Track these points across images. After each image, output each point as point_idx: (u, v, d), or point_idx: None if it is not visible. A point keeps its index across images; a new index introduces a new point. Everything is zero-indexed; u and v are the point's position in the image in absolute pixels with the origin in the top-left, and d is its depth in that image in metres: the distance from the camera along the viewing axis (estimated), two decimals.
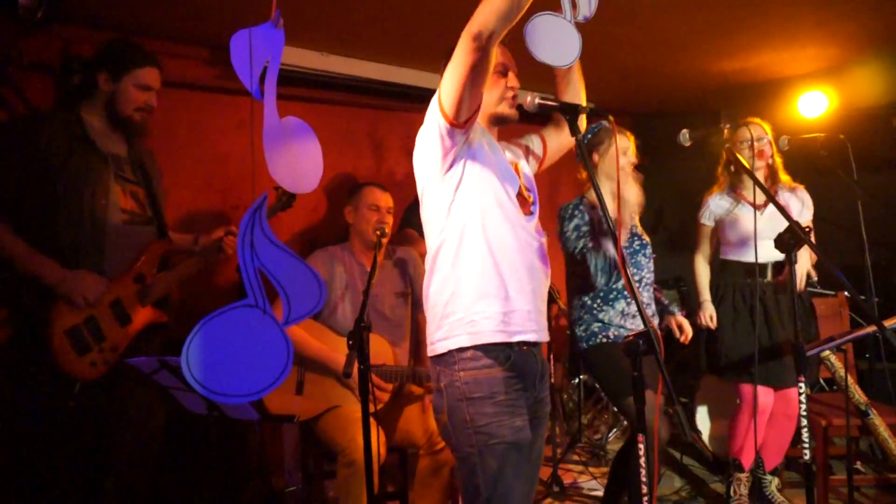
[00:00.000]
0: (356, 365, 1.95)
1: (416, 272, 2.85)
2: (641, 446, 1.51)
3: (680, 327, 2.73)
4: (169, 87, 3.11)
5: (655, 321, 2.74)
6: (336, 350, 2.57)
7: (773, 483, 3.08)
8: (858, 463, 3.48)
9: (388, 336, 2.71)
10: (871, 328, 2.44)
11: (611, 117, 1.74)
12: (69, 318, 2.03)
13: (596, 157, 2.63)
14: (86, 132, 2.13)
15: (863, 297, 3.35)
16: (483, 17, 1.48)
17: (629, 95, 4.53)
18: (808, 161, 3.06)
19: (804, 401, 2.12)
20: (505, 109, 1.82)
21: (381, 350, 2.61)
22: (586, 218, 2.55)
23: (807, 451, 2.07)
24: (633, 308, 2.56)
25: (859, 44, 3.62)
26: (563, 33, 1.57)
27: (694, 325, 3.02)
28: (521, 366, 1.72)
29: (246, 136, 3.32)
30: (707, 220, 3.19)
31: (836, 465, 3.34)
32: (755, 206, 2.91)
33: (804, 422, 2.11)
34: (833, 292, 3.68)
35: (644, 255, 2.67)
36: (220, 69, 3.22)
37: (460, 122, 1.63)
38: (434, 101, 1.67)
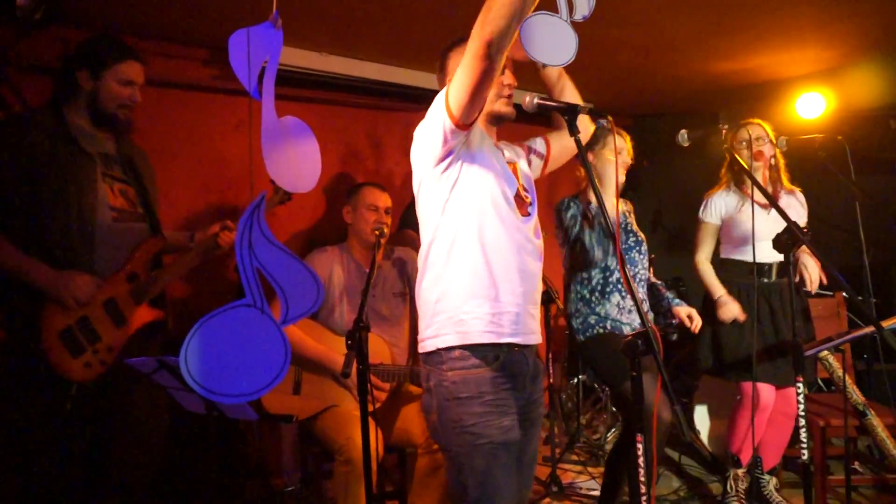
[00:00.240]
0: (355, 365, 1.95)
1: (414, 272, 2.85)
2: (640, 446, 1.51)
3: (690, 317, 2.74)
4: (167, 87, 3.13)
5: (650, 317, 2.76)
6: (333, 350, 2.57)
7: (770, 483, 3.09)
8: (856, 463, 3.48)
9: (386, 336, 2.71)
10: (869, 329, 2.45)
11: (609, 117, 1.74)
12: (61, 320, 2.01)
13: (591, 156, 2.68)
14: (69, 132, 2.10)
15: (861, 298, 3.35)
16: (494, 22, 1.47)
17: (628, 96, 4.54)
18: (806, 162, 3.06)
19: (802, 401, 2.12)
20: (502, 107, 1.83)
21: (378, 349, 2.61)
22: (581, 209, 2.64)
23: (805, 452, 2.07)
24: (629, 303, 2.60)
25: (857, 46, 3.62)
26: (559, 32, 1.57)
27: (708, 324, 3.01)
28: (511, 366, 1.72)
29: (244, 137, 3.32)
30: (712, 217, 3.13)
31: (834, 466, 3.34)
32: (761, 205, 2.92)
33: (802, 422, 2.11)
34: (831, 293, 3.69)
35: (638, 251, 2.72)
36: (218, 69, 3.22)
37: (466, 124, 1.64)
38: (440, 100, 1.67)
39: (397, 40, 3.29)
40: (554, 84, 1.97)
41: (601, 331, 2.56)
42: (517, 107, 1.84)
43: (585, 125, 2.04)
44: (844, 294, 3.54)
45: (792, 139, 2.92)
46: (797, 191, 3.13)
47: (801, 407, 2.13)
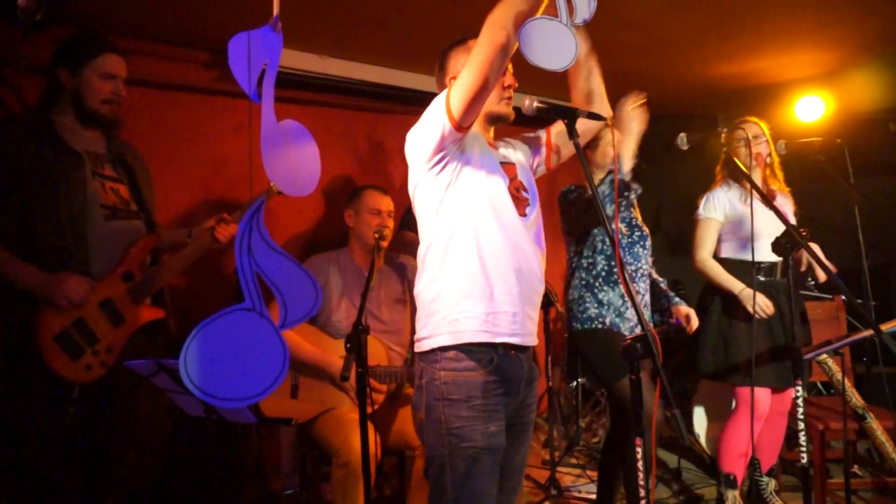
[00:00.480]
0: (354, 367, 1.95)
1: (414, 278, 2.85)
2: (639, 449, 1.51)
3: (687, 317, 2.73)
4: (167, 89, 3.13)
5: (648, 313, 2.74)
6: (331, 353, 2.57)
7: (770, 485, 3.07)
8: (855, 466, 3.48)
9: (385, 339, 2.71)
10: (868, 332, 2.44)
11: (608, 120, 1.76)
12: (56, 323, 2.00)
13: (589, 152, 2.70)
14: (55, 132, 2.08)
15: (860, 301, 3.35)
16: (505, 28, 1.51)
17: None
18: (805, 165, 3.06)
19: (801, 404, 2.12)
20: (502, 108, 1.84)
21: (375, 351, 2.61)
22: (584, 195, 2.64)
23: (804, 455, 2.07)
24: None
25: (857, 49, 3.63)
26: (559, 37, 1.57)
27: (709, 328, 2.97)
28: (505, 369, 1.72)
29: (244, 139, 3.32)
30: (715, 213, 2.99)
31: (834, 469, 3.34)
32: (762, 203, 2.85)
33: (801, 425, 2.11)
34: (830, 296, 3.69)
35: (642, 245, 2.70)
36: (218, 72, 3.22)
37: (464, 127, 1.65)
38: (440, 101, 1.67)
39: (397, 43, 3.29)
40: (582, 65, 1.94)
41: (598, 325, 2.55)
42: (516, 109, 1.85)
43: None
44: (843, 297, 3.53)
45: (791, 142, 2.91)
46: (787, 191, 3.07)
47: (801, 410, 2.13)
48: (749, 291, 2.84)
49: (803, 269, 2.96)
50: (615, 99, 2.12)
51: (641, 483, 1.52)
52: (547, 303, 3.27)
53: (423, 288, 1.76)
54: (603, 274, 2.59)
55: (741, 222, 2.97)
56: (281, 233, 3.48)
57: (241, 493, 3.12)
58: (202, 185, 3.26)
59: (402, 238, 3.32)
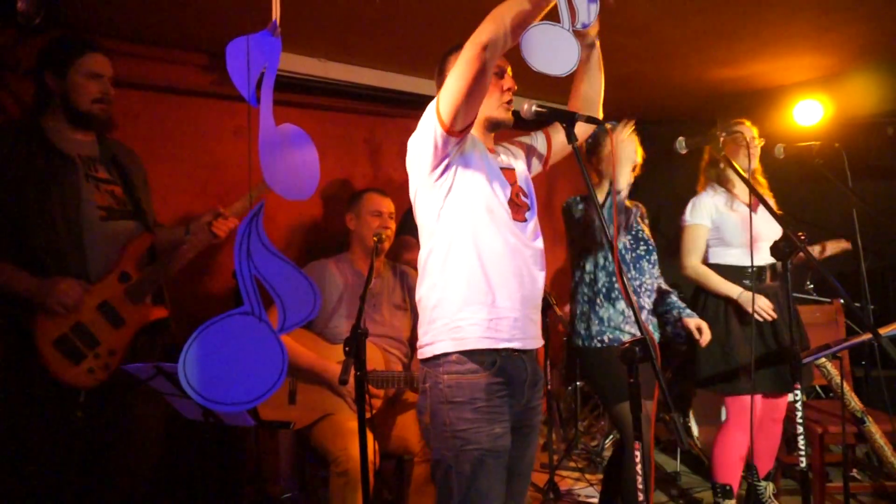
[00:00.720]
0: (353, 372, 1.95)
1: (415, 284, 2.85)
2: (638, 454, 1.51)
3: (699, 329, 2.70)
4: (166, 92, 3.14)
5: (651, 325, 2.73)
6: (328, 359, 2.56)
7: (768, 489, 3.07)
8: (854, 470, 3.48)
9: (384, 345, 2.70)
10: (867, 336, 2.45)
11: (608, 125, 1.77)
12: (54, 328, 1.98)
13: (594, 159, 2.68)
14: (46, 137, 2.07)
15: (858, 305, 3.36)
16: (493, 31, 1.51)
17: (626, 103, 4.55)
18: (803, 169, 3.06)
19: (800, 408, 2.12)
20: (501, 113, 1.83)
21: (372, 355, 2.60)
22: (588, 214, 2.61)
23: (803, 459, 2.07)
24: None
25: (855, 53, 3.64)
26: (561, 42, 1.57)
27: (718, 329, 2.91)
28: (509, 371, 1.72)
29: (243, 142, 3.32)
30: (702, 219, 2.94)
31: (833, 473, 3.34)
32: (749, 207, 2.83)
33: (800, 429, 2.11)
34: (829, 300, 3.69)
35: (648, 260, 2.66)
36: (217, 75, 3.22)
37: (456, 131, 1.65)
38: (431, 107, 1.68)
39: (396, 46, 3.30)
40: (590, 71, 1.95)
41: (599, 344, 2.53)
42: (515, 113, 1.84)
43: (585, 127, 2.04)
44: (842, 301, 3.54)
45: (789, 146, 2.90)
46: (771, 195, 2.99)
47: (800, 414, 2.13)
48: (747, 295, 2.81)
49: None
50: (615, 102, 2.13)
51: (640, 487, 1.52)
52: (546, 306, 3.27)
53: (425, 294, 1.76)
54: (604, 290, 2.56)
55: (726, 227, 2.93)
56: (279, 236, 3.48)
57: (240, 498, 3.11)
58: (201, 188, 3.26)
59: (402, 242, 3.32)
